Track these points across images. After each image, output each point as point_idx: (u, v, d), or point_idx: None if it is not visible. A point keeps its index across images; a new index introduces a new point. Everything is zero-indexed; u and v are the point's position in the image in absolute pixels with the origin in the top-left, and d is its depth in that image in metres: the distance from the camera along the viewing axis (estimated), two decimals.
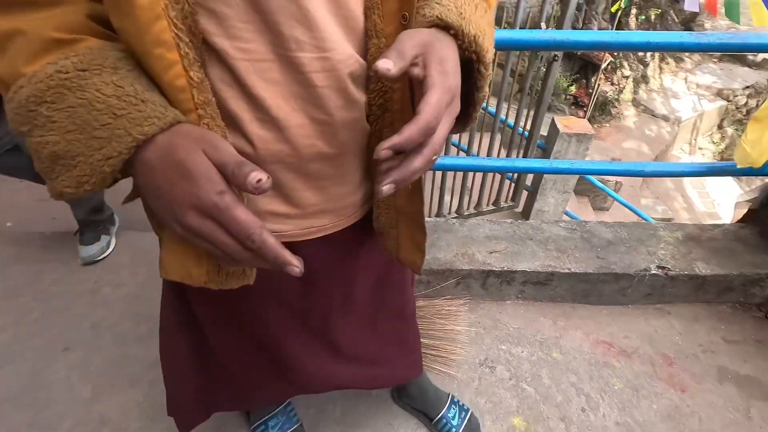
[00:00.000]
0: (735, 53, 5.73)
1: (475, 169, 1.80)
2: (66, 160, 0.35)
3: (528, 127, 2.56)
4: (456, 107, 0.42)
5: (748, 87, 5.88)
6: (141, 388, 1.20)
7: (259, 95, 0.43)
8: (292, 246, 0.55)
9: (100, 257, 1.59)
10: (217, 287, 0.47)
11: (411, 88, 0.47)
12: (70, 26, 0.36)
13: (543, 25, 2.78)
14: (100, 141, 0.34)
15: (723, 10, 2.62)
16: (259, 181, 0.33)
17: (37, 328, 1.35)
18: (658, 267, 1.39)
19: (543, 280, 1.41)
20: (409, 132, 0.36)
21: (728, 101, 5.97)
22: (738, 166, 1.29)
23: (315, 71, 0.44)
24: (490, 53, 0.46)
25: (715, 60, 6.28)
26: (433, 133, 0.38)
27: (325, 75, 0.45)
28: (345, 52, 0.45)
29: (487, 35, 0.45)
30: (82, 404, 1.16)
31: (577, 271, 1.38)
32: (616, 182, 5.00)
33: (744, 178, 4.34)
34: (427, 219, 1.55)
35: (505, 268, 1.38)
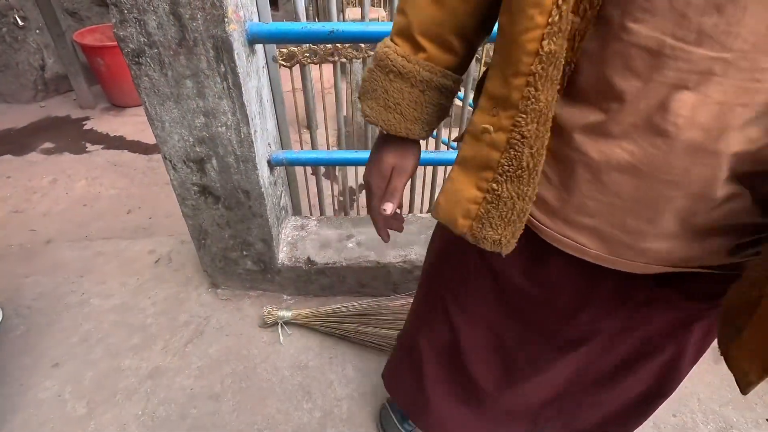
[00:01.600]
0: None
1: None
2: (368, 94, 0.55)
3: None
4: None
5: None
6: (138, 401, 1.16)
7: (615, 84, 0.37)
8: (549, 250, 0.50)
9: None
10: (473, 242, 0.51)
11: None
12: (431, 34, 0.49)
13: None
14: (378, 102, 0.55)
15: None
16: (383, 210, 0.58)
17: (23, 344, 1.30)
18: None
19: None
20: None
21: None
22: None
23: (696, 72, 0.34)
24: None
25: None
26: None
27: (704, 79, 0.34)
28: (758, 60, 0.32)
29: None
30: (77, 421, 1.12)
31: None
32: None
33: None
34: (419, 215, 1.53)
35: None
